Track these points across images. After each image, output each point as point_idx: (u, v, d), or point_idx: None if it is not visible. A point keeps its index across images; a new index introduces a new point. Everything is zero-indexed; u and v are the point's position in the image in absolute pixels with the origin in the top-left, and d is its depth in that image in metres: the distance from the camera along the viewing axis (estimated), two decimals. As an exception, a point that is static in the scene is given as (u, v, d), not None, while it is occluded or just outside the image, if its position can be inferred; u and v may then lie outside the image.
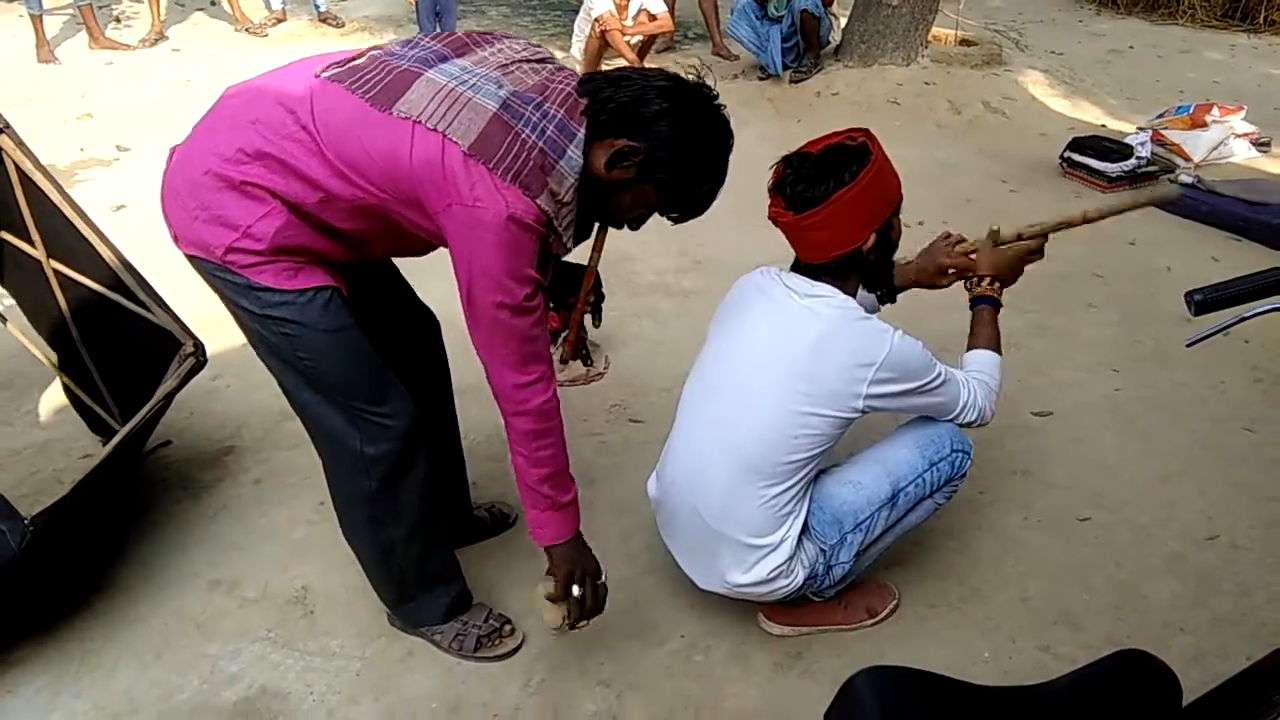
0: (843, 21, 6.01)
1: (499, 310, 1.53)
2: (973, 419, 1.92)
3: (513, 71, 1.57)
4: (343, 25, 6.86)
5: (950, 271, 2.11)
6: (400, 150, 1.46)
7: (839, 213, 1.71)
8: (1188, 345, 1.28)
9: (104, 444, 2.55)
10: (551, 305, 2.84)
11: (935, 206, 4.24)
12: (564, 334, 2.95)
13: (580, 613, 1.77)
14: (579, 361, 2.99)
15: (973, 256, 2.09)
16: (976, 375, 1.93)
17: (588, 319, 2.94)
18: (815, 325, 1.74)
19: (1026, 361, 3.06)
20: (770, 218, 1.80)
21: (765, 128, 5.17)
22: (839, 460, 1.98)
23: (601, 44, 5.36)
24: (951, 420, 1.92)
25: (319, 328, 1.62)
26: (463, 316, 1.57)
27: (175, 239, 1.62)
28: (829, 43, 5.87)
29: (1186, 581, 2.20)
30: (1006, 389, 2.81)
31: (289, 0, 7.01)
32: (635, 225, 1.71)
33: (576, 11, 5.73)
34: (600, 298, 2.64)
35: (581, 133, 1.53)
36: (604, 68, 5.55)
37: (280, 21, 6.83)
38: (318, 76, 1.54)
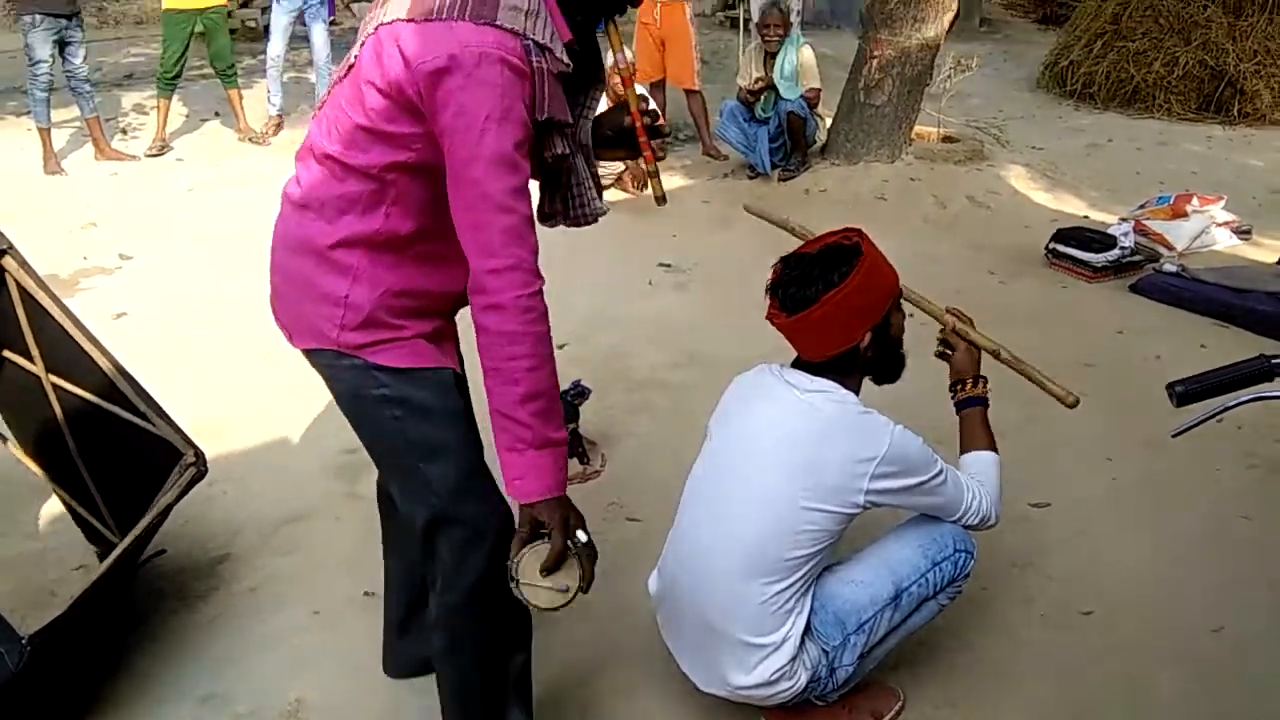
0: (828, 121, 6.19)
1: (473, 165, 1.39)
2: (976, 522, 1.93)
3: None
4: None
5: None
6: (377, 65, 1.42)
7: (831, 313, 1.75)
8: (1173, 436, 1.30)
9: (99, 554, 2.53)
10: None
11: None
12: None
13: (590, 569, 1.48)
14: (575, 460, 3.00)
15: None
16: (978, 477, 1.94)
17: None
18: (816, 420, 1.76)
19: (1022, 452, 3.06)
20: (767, 318, 1.84)
21: (756, 225, 5.22)
22: (842, 558, 1.97)
23: (594, 147, 5.52)
24: (955, 521, 1.92)
25: (444, 408, 1.60)
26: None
27: (289, 338, 1.65)
28: (815, 142, 6.04)
29: (1195, 675, 2.17)
30: (1004, 480, 2.82)
31: (291, 107, 7.22)
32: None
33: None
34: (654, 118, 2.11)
35: None
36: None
37: (279, 127, 7.01)
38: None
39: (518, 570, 1.46)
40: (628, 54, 1.62)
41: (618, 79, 1.73)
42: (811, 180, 5.86)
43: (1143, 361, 3.74)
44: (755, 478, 1.79)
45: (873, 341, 1.80)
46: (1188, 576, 2.51)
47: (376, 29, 1.44)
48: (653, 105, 1.86)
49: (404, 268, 1.56)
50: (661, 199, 1.83)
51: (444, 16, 1.37)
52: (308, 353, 1.62)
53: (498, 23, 1.38)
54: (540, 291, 1.46)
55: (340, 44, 10.11)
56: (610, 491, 2.94)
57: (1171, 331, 4.00)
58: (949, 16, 5.66)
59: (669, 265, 4.66)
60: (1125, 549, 2.63)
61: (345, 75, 1.51)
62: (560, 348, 3.74)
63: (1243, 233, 5.07)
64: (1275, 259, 4.64)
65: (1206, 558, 2.59)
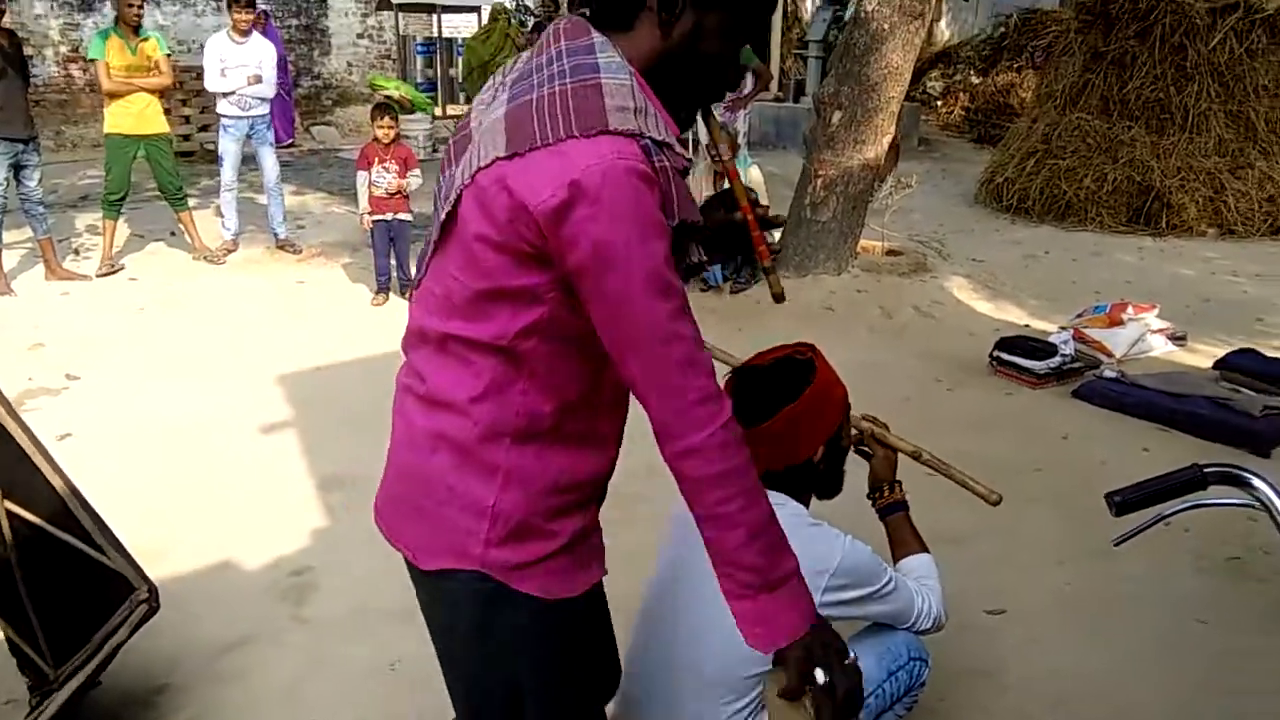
0: (777, 236, 6.38)
1: (626, 302, 1.17)
2: (929, 625, 1.93)
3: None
4: (300, 251, 7.11)
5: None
6: (485, 217, 1.21)
7: (789, 427, 1.77)
8: (1115, 544, 1.33)
9: (30, 685, 2.42)
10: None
11: (875, 407, 4.32)
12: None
13: (833, 708, 1.29)
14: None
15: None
16: (923, 580, 1.95)
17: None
18: (764, 536, 1.76)
19: (975, 560, 3.08)
20: None
21: (709, 337, 5.35)
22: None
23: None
24: (908, 628, 1.92)
25: (584, 634, 1.41)
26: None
27: (413, 557, 1.38)
28: (765, 256, 6.21)
29: (1157, 786, 2.15)
30: (959, 588, 2.83)
31: (245, 227, 7.28)
32: (733, 80, 1.37)
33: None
34: (765, 210, 1.96)
35: (595, 37, 1.26)
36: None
37: (230, 251, 7.05)
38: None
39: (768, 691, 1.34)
40: (722, 145, 1.48)
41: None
42: (762, 292, 5.99)
43: (1088, 466, 3.80)
44: (709, 596, 1.77)
45: (825, 454, 1.83)
46: (1145, 684, 2.51)
47: (475, 176, 1.23)
48: (761, 197, 1.77)
49: (553, 457, 1.32)
50: (779, 297, 1.53)
51: (549, 140, 1.17)
52: (433, 575, 1.36)
53: (610, 128, 1.17)
54: (731, 418, 1.26)
55: (300, 165, 10.33)
56: (565, 608, 2.88)
57: (1115, 436, 4.10)
58: (887, 139, 5.93)
59: (623, 378, 4.71)
60: (1081, 656, 2.62)
61: (442, 240, 1.30)
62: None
63: (1178, 339, 5.25)
64: (1210, 364, 4.80)
65: (1164, 664, 2.59)
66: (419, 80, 13.46)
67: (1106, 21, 8.61)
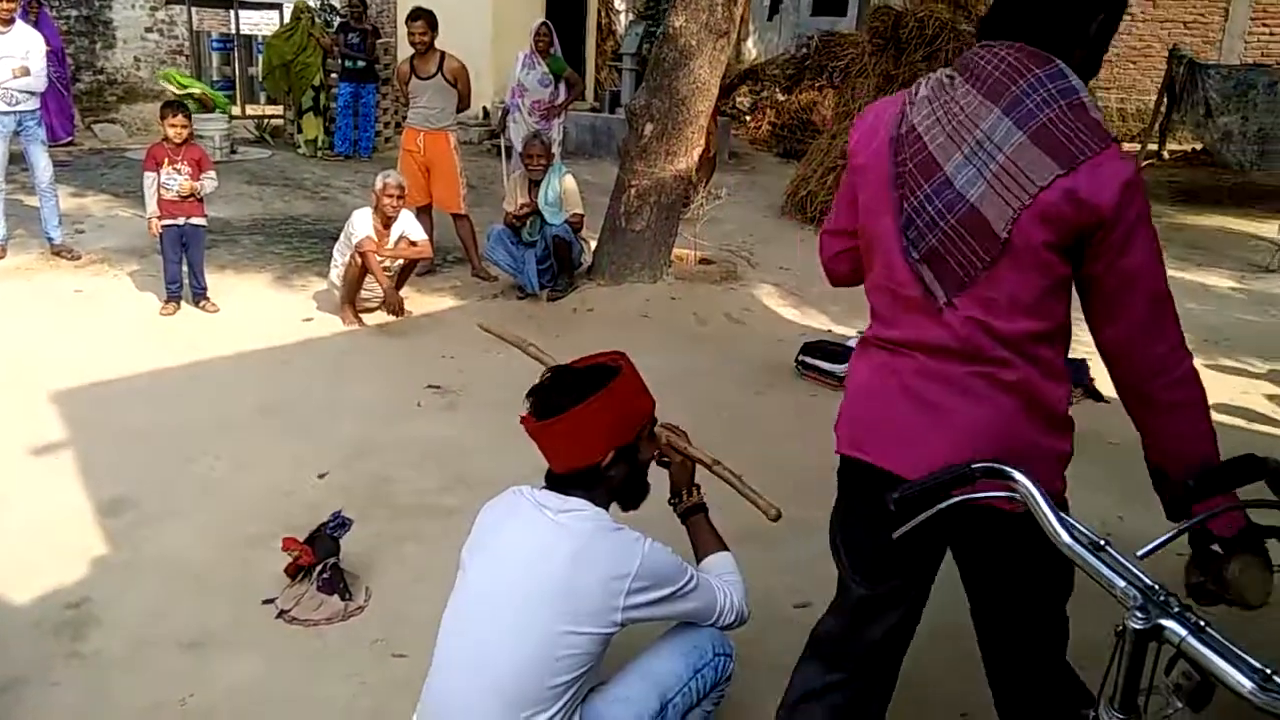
0: (593, 244, 6.43)
1: (1150, 263, 1.55)
2: (732, 619, 1.98)
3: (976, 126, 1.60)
4: (78, 257, 6.55)
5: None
6: (1048, 227, 1.54)
7: (578, 425, 1.78)
8: (894, 538, 1.40)
9: None
10: None
11: (690, 411, 4.44)
12: None
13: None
14: (335, 597, 2.82)
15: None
16: (724, 577, 2.01)
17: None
18: (568, 542, 1.75)
19: (786, 556, 3.20)
20: (522, 420, 1.84)
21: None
22: (605, 676, 1.95)
23: (361, 271, 5.42)
24: (713, 624, 1.96)
25: None
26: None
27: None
28: (581, 264, 6.25)
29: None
30: (767, 585, 2.93)
31: (14, 232, 6.64)
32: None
33: (335, 238, 5.80)
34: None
35: (1058, 64, 1.57)
36: (361, 295, 5.59)
37: (2, 254, 6.42)
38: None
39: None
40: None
41: None
42: (579, 300, 6.02)
43: (886, 462, 4.02)
44: (511, 607, 1.76)
45: (618, 461, 1.84)
46: (933, 666, 2.66)
47: (1036, 197, 1.52)
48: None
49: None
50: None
51: (1091, 154, 1.51)
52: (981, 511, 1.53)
53: (1113, 138, 1.57)
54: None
55: (81, 164, 9.51)
56: (376, 627, 2.78)
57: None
58: (698, 151, 6.10)
59: (438, 387, 4.60)
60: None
61: (989, 271, 1.58)
62: (321, 477, 3.62)
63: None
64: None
65: (950, 647, 2.76)
66: (215, 78, 12.72)
67: (897, 46, 9.21)
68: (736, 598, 1.99)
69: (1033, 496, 1.24)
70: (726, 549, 2.11)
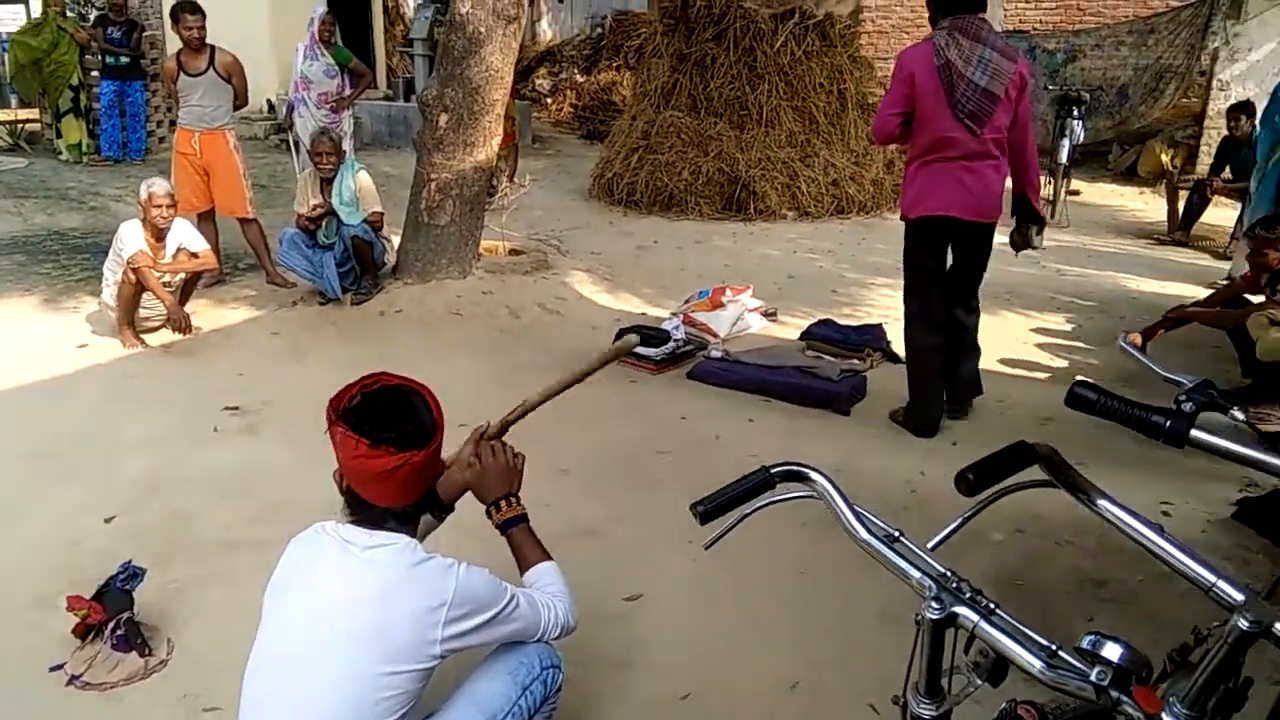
0: (396, 241, 6.20)
1: (1030, 103, 3.96)
2: (559, 634, 1.94)
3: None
4: None
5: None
6: (1018, 91, 3.85)
7: (412, 471, 1.71)
8: (705, 548, 1.40)
9: None
10: None
11: (509, 407, 4.39)
12: None
13: None
14: (134, 654, 2.59)
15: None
16: (547, 589, 1.97)
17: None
18: (378, 579, 1.66)
19: (610, 549, 3.20)
20: (341, 444, 1.70)
21: (333, 351, 5.09)
22: (431, 707, 1.87)
23: (137, 289, 5.00)
24: (539, 640, 1.92)
25: None
26: None
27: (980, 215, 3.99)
28: (385, 263, 6.01)
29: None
30: (595, 579, 2.91)
31: None
32: None
33: (106, 253, 5.31)
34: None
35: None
36: (141, 313, 5.17)
37: None
38: None
39: None
40: None
41: None
42: (386, 301, 5.80)
43: (705, 443, 4.10)
44: (324, 654, 1.65)
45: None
46: (763, 641, 2.74)
47: (1016, 77, 3.79)
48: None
49: None
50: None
51: (1017, 55, 3.86)
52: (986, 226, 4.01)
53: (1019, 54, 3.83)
54: None
55: None
56: (183, 681, 2.57)
57: (725, 412, 4.45)
58: (497, 140, 5.97)
59: (236, 407, 4.31)
60: (713, 627, 2.81)
61: (992, 115, 3.79)
62: (108, 521, 3.32)
63: (770, 315, 5.84)
64: (798, 335, 5.39)
65: (776, 620, 2.85)
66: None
67: (687, 26, 9.36)
68: (562, 610, 1.95)
69: (829, 493, 1.26)
70: (549, 558, 2.06)
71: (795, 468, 1.30)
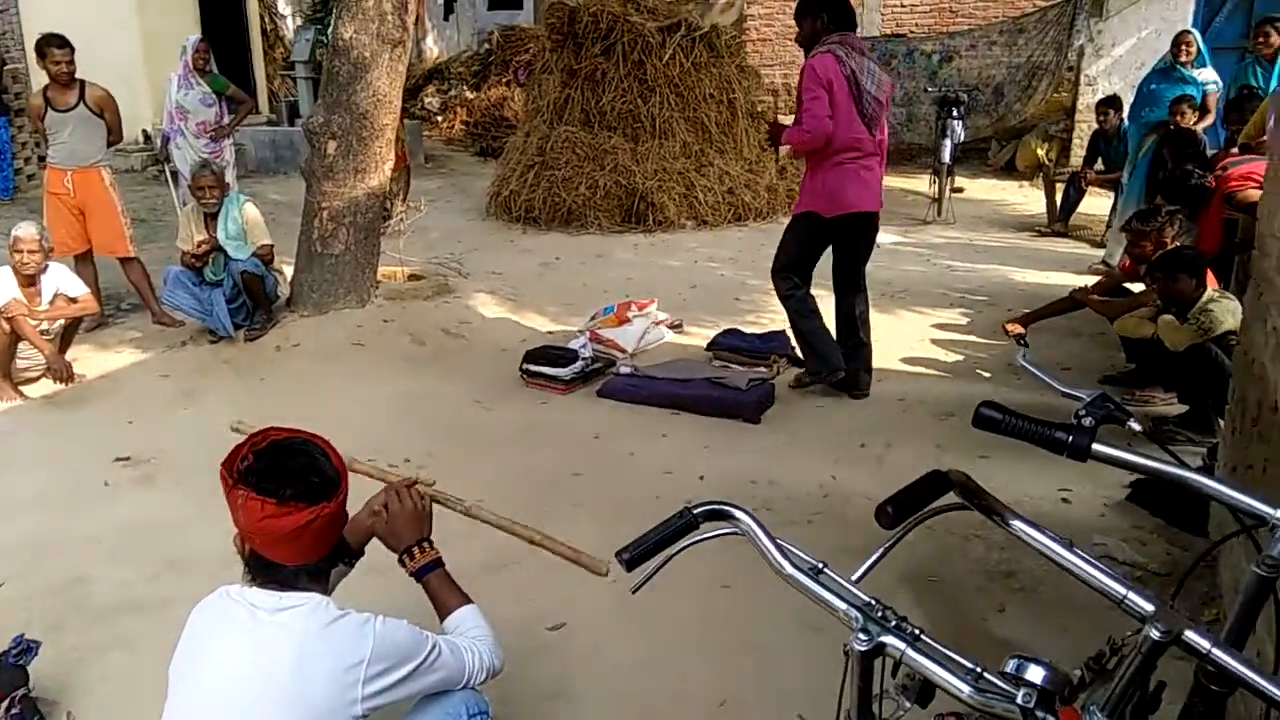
0: (288, 273, 6.02)
1: None
2: (484, 679, 1.90)
3: None
4: None
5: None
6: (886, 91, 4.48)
7: (324, 524, 1.65)
8: (632, 592, 1.39)
9: None
10: None
11: (419, 439, 4.31)
12: None
13: None
14: (30, 735, 2.44)
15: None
16: (470, 634, 1.92)
17: None
18: (291, 643, 1.60)
19: (531, 578, 3.15)
20: (241, 507, 1.62)
21: (228, 392, 4.91)
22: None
23: (12, 337, 4.73)
24: (464, 687, 1.87)
25: None
26: None
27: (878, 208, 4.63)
28: (278, 297, 5.82)
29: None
30: (518, 613, 2.87)
31: None
32: None
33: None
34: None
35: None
36: (18, 364, 4.90)
37: None
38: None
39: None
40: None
41: None
42: (281, 336, 5.61)
43: (620, 461, 4.09)
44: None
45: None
46: (689, 659, 2.74)
47: (888, 87, 4.43)
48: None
49: None
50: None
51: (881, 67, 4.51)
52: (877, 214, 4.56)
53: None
54: None
55: None
56: (84, 758, 2.43)
57: (638, 428, 4.45)
58: (389, 165, 5.86)
59: (128, 458, 4.11)
60: (638, 649, 2.79)
61: (879, 119, 4.42)
62: (-5, 591, 3.12)
63: (675, 327, 5.87)
64: (704, 345, 5.43)
65: (702, 637, 2.85)
66: None
67: (576, 41, 9.36)
68: (486, 653, 1.91)
69: (753, 530, 1.26)
70: (469, 601, 2.01)
71: (718, 506, 1.29)
